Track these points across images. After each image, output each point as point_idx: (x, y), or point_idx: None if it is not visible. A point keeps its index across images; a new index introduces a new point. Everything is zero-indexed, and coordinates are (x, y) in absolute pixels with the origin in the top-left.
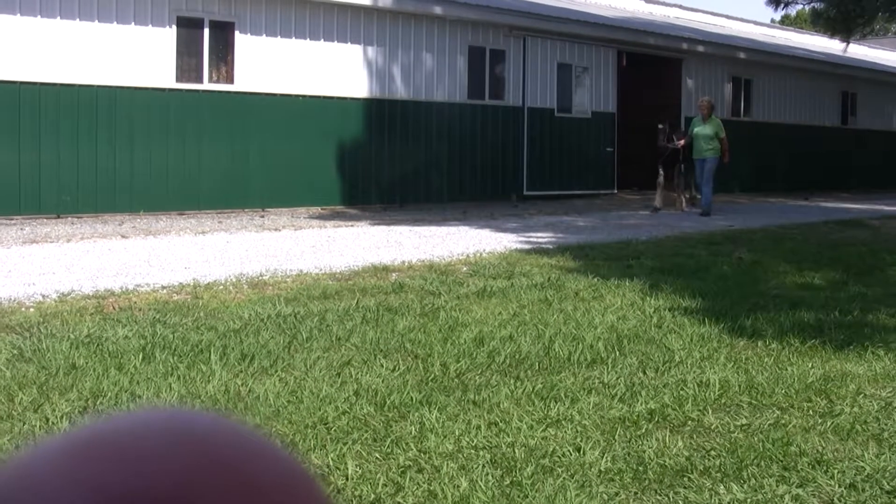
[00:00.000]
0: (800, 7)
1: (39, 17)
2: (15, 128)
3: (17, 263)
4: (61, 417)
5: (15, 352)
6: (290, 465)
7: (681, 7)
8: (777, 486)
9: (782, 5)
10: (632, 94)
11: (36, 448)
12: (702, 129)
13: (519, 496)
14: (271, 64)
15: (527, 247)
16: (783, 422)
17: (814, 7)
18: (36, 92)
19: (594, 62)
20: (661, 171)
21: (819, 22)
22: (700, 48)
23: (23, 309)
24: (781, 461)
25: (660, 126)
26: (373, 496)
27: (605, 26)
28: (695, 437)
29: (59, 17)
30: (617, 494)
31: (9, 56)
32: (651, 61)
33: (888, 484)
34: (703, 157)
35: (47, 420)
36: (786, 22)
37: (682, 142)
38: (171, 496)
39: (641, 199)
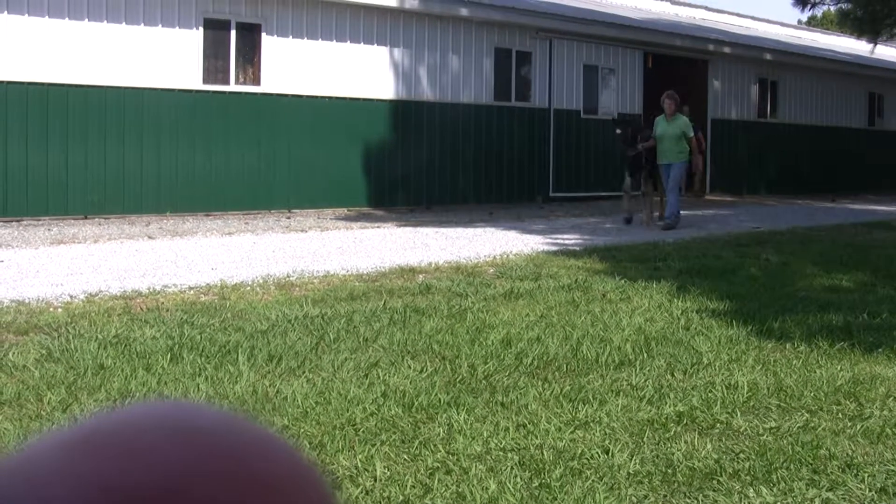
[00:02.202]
0: (826, 8)
1: (67, 19)
2: (43, 129)
3: (45, 264)
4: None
5: (43, 352)
6: (292, 457)
7: (707, 8)
8: (807, 490)
9: (809, 6)
10: (658, 96)
11: (37, 443)
12: (667, 129)
13: (548, 498)
14: (298, 65)
15: (553, 248)
16: (812, 425)
17: (841, 8)
18: (64, 93)
19: (620, 64)
20: (627, 177)
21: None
22: (726, 49)
23: (51, 309)
24: (811, 464)
25: (617, 131)
26: (401, 498)
27: (632, 28)
28: (724, 439)
29: (86, 20)
30: (646, 497)
31: (37, 58)
32: (677, 62)
33: None
34: (669, 161)
35: (76, 420)
36: (812, 23)
37: (642, 146)
38: (172, 489)
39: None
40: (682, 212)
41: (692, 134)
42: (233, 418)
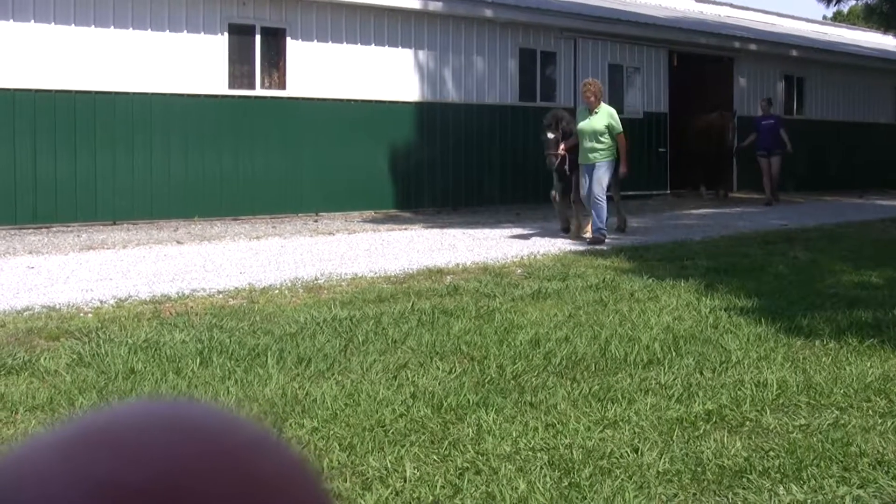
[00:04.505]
0: (852, 3)
1: (93, 26)
2: (71, 136)
3: (74, 269)
4: None
5: (74, 356)
6: (288, 455)
7: (732, 6)
8: (837, 487)
9: (834, 2)
10: (683, 94)
11: (32, 441)
12: (588, 123)
13: (577, 498)
14: (323, 69)
15: (581, 248)
16: (842, 422)
17: (867, 3)
18: (91, 101)
19: (645, 62)
20: (556, 182)
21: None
22: (752, 47)
23: (81, 314)
24: (841, 462)
25: (550, 136)
26: (431, 498)
27: (657, 26)
28: (753, 437)
29: (112, 27)
30: (676, 496)
31: (64, 66)
32: (702, 60)
33: None
34: (591, 162)
35: (72, 418)
36: (838, 18)
37: (562, 147)
38: (167, 486)
39: (695, 199)
40: (703, 210)
41: (620, 128)
42: (227, 415)
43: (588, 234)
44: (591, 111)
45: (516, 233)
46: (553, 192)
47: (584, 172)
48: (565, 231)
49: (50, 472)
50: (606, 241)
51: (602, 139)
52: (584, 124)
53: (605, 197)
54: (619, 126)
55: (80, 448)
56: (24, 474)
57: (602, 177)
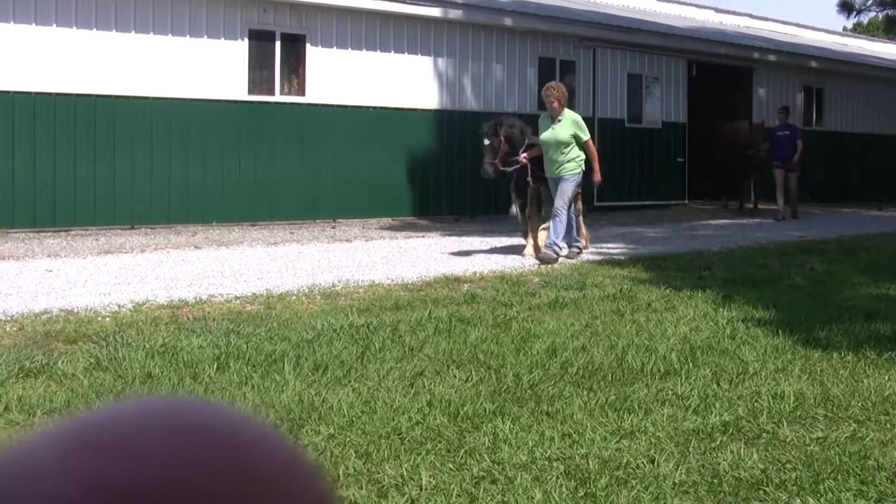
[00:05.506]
0: (872, 14)
1: (114, 31)
2: (90, 140)
3: (92, 273)
4: None
5: (92, 360)
6: (288, 452)
7: (751, 16)
8: (855, 501)
9: (854, 12)
10: (702, 104)
11: (32, 439)
12: (552, 133)
13: None
14: (342, 76)
15: (598, 258)
16: (860, 435)
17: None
18: (111, 105)
19: (664, 72)
20: (514, 198)
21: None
22: (771, 57)
23: (99, 318)
24: (859, 475)
25: (486, 143)
26: None
27: (676, 36)
28: (770, 449)
29: (133, 32)
30: None
31: (84, 70)
32: (722, 71)
33: None
34: (557, 175)
35: (71, 416)
36: (858, 29)
37: (524, 156)
38: (168, 484)
39: (713, 209)
40: (721, 221)
41: (587, 136)
42: (226, 412)
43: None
44: (554, 119)
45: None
46: (512, 212)
47: (550, 185)
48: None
49: (49, 469)
50: (560, 259)
51: (567, 150)
52: (547, 134)
53: (565, 211)
54: (585, 134)
55: (79, 447)
56: (24, 472)
57: (565, 190)
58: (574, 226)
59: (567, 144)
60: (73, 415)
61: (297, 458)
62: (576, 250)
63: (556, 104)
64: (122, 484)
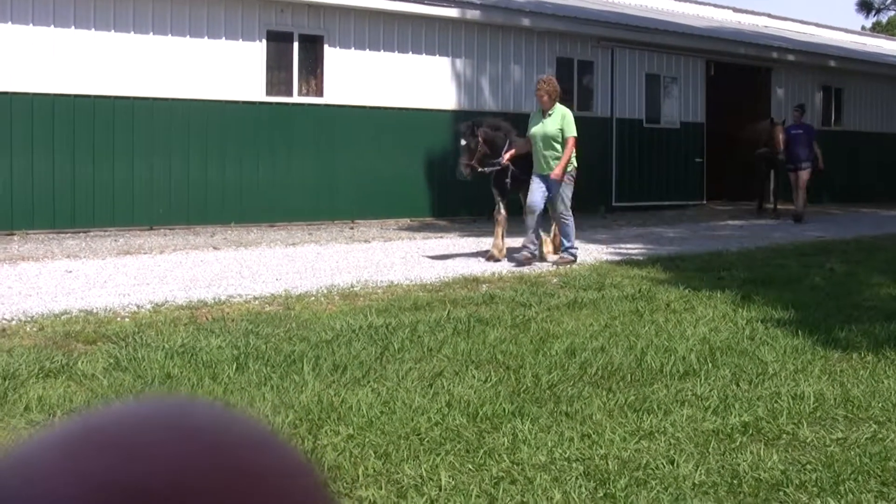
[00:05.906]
0: (892, 13)
1: (132, 33)
2: (110, 141)
3: (111, 274)
4: None
5: (111, 361)
6: (287, 453)
7: (770, 16)
8: (875, 502)
9: (873, 12)
10: (720, 104)
11: (36, 440)
12: (541, 128)
13: None
14: (360, 77)
15: (617, 258)
16: (880, 436)
17: None
18: (130, 106)
19: (683, 72)
20: (499, 200)
21: None
22: (790, 57)
23: (118, 319)
24: (879, 476)
25: (462, 143)
26: None
27: (694, 36)
28: (790, 450)
29: (151, 33)
30: None
31: (104, 72)
32: (740, 70)
33: None
34: (546, 172)
35: (74, 417)
36: (877, 29)
37: (507, 156)
38: (170, 484)
39: (732, 210)
40: (739, 221)
41: (572, 132)
42: (227, 413)
43: (552, 256)
44: (544, 113)
45: None
46: (496, 215)
47: (537, 181)
48: (492, 259)
49: (52, 470)
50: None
51: (557, 145)
52: (537, 129)
53: (569, 213)
54: (571, 129)
55: (82, 447)
56: (26, 472)
57: (564, 194)
58: (539, 228)
59: (556, 139)
60: (76, 415)
61: (297, 458)
62: (527, 254)
63: (545, 98)
64: (125, 484)
